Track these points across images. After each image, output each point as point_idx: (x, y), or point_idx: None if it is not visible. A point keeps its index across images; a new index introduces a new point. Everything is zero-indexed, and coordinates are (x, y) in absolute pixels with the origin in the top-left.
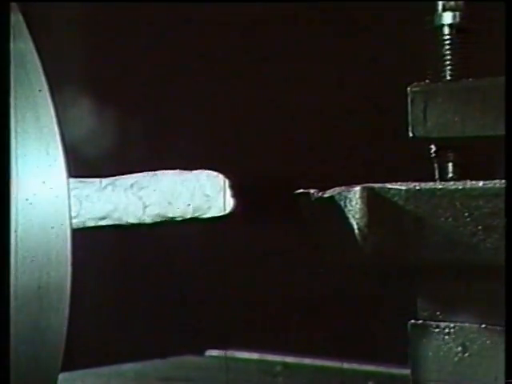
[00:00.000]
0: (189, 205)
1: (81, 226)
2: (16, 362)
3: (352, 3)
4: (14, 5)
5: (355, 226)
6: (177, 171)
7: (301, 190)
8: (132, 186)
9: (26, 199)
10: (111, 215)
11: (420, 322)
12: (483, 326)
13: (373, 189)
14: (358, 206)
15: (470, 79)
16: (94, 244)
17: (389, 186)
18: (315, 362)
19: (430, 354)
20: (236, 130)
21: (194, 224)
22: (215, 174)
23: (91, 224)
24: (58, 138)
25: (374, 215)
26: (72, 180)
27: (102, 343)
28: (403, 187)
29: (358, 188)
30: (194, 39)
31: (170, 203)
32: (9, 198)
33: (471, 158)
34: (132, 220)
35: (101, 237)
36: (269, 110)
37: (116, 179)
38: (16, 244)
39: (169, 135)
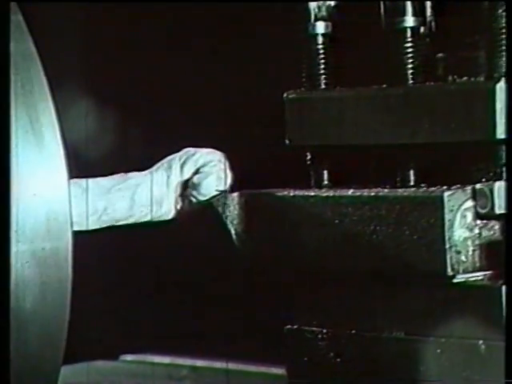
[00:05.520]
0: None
1: (83, 226)
2: (17, 360)
3: (228, 10)
4: (14, 5)
5: (233, 232)
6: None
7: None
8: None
9: (27, 199)
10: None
11: (295, 327)
12: (353, 332)
13: (250, 195)
14: (235, 211)
15: (344, 88)
16: (92, 244)
17: (265, 192)
18: (224, 366)
19: (306, 359)
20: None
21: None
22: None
23: (93, 223)
24: (58, 138)
25: (251, 221)
26: (72, 180)
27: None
28: (279, 194)
29: (235, 194)
30: (194, 39)
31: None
32: (9, 198)
33: (347, 166)
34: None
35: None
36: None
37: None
38: (17, 243)
39: (169, 135)
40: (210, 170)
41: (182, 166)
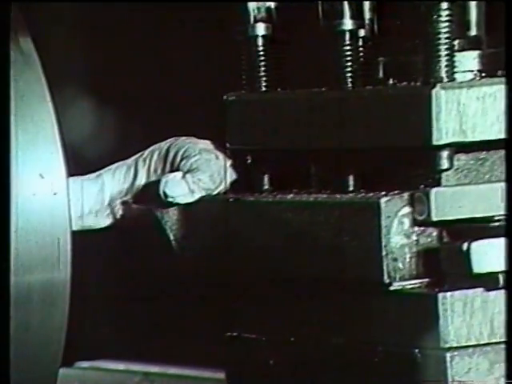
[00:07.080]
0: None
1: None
2: (15, 361)
3: (169, 10)
4: (13, 5)
5: (172, 238)
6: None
7: (120, 200)
8: None
9: (26, 199)
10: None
11: (235, 334)
12: (292, 339)
13: None
14: (174, 217)
15: (285, 90)
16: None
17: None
18: (179, 372)
19: (245, 365)
20: None
21: None
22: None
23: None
24: (57, 137)
25: (191, 226)
26: (72, 179)
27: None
28: (219, 198)
29: None
30: (194, 39)
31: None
32: (9, 198)
33: (287, 170)
34: None
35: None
36: None
37: None
38: (17, 243)
39: (168, 135)
40: (190, 188)
41: (181, 160)
